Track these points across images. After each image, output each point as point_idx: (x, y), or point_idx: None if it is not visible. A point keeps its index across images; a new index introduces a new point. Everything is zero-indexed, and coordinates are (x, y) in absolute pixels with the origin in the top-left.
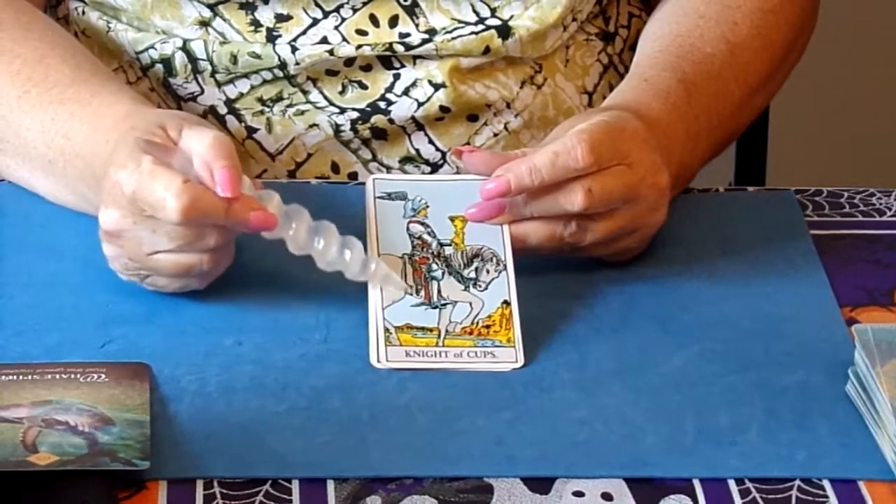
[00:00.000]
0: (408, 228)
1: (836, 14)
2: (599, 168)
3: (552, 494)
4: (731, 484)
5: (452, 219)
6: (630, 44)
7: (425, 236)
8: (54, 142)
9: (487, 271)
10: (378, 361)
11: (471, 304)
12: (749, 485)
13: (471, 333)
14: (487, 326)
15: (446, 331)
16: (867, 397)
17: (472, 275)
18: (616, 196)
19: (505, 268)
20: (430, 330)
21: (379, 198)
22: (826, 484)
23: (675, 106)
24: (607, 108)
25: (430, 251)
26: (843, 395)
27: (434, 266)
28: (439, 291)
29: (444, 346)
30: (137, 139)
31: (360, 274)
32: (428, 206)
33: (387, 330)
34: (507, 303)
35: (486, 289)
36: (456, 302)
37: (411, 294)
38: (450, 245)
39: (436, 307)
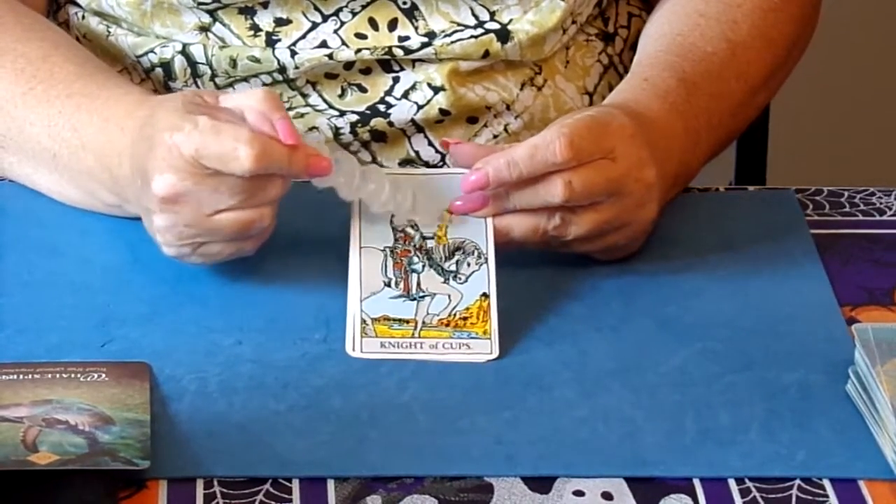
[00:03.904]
0: (391, 222)
1: (836, 14)
2: (580, 162)
3: (552, 494)
4: (732, 483)
5: None
6: (630, 44)
7: (408, 230)
8: (60, 135)
9: (468, 264)
10: (353, 351)
11: (449, 296)
12: (749, 484)
13: (448, 325)
14: (465, 318)
15: (423, 322)
16: (867, 397)
17: (453, 267)
18: (598, 189)
19: (486, 261)
20: (407, 321)
21: None
22: (826, 483)
23: (675, 105)
24: (601, 105)
25: (412, 244)
26: (843, 394)
27: (415, 259)
28: (419, 284)
29: (419, 337)
30: (184, 104)
31: (410, 213)
32: None
33: (363, 321)
34: (485, 295)
35: (465, 281)
36: (434, 294)
37: (391, 286)
38: (432, 238)
39: (414, 299)
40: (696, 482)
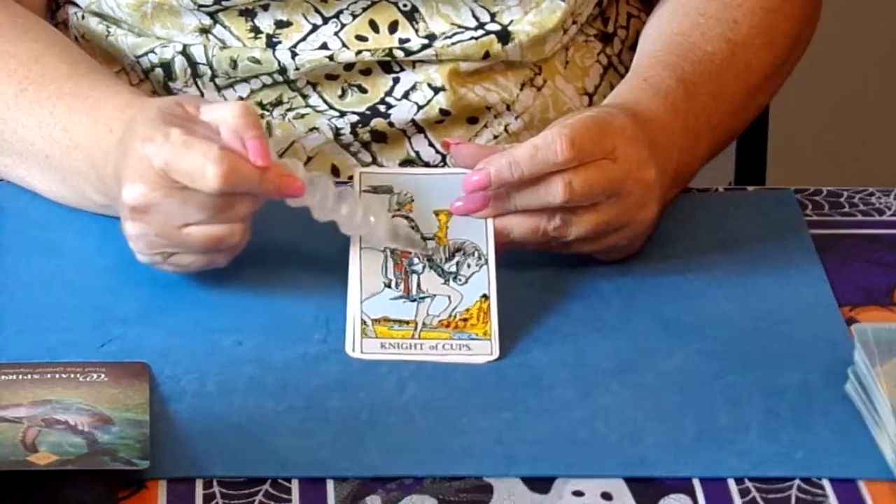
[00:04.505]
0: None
1: (836, 14)
2: (581, 162)
3: (552, 494)
4: (731, 483)
5: (437, 213)
6: (629, 44)
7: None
8: (52, 135)
9: (468, 265)
10: (353, 351)
11: (449, 297)
12: (749, 484)
13: (448, 326)
14: (465, 319)
15: (423, 324)
16: (867, 397)
17: (453, 269)
18: (598, 189)
19: (486, 262)
20: (407, 322)
21: (365, 191)
22: (826, 483)
23: (674, 105)
24: (601, 106)
25: None
26: (842, 394)
27: (415, 260)
28: (419, 285)
29: (419, 338)
30: (161, 113)
31: (385, 240)
32: (413, 200)
33: (364, 322)
34: (485, 296)
35: (465, 283)
36: (435, 295)
37: (392, 287)
38: (433, 239)
39: (414, 300)
40: (696, 482)
